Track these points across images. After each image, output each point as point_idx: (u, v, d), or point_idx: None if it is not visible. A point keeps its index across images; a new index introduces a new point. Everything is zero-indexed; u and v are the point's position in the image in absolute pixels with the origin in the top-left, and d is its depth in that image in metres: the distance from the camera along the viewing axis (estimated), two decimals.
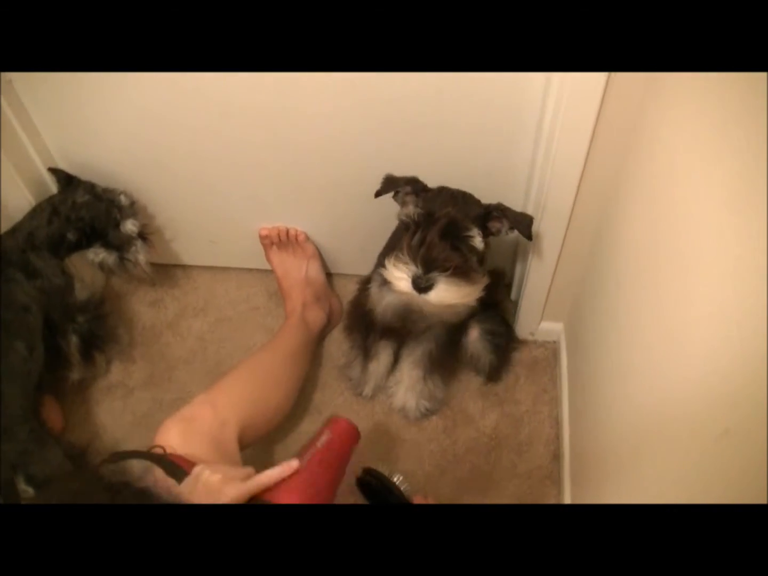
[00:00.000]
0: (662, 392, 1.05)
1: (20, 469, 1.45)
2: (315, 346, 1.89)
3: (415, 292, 1.38)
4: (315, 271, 1.93)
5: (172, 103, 1.59)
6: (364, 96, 1.49)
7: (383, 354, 1.84)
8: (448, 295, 1.38)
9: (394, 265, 1.40)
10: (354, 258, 1.97)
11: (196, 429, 1.36)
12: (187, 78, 1.52)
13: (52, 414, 1.78)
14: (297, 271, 1.91)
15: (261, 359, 1.67)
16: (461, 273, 1.39)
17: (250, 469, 1.17)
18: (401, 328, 1.73)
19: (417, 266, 1.36)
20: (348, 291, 1.97)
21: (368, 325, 1.77)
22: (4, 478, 1.43)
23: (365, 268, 1.77)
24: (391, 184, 1.47)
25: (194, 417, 1.39)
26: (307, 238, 1.90)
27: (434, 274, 1.36)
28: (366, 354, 1.84)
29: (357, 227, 1.86)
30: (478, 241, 1.41)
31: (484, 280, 1.47)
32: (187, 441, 1.33)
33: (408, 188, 1.46)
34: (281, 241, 1.89)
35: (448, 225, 1.38)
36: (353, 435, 1.31)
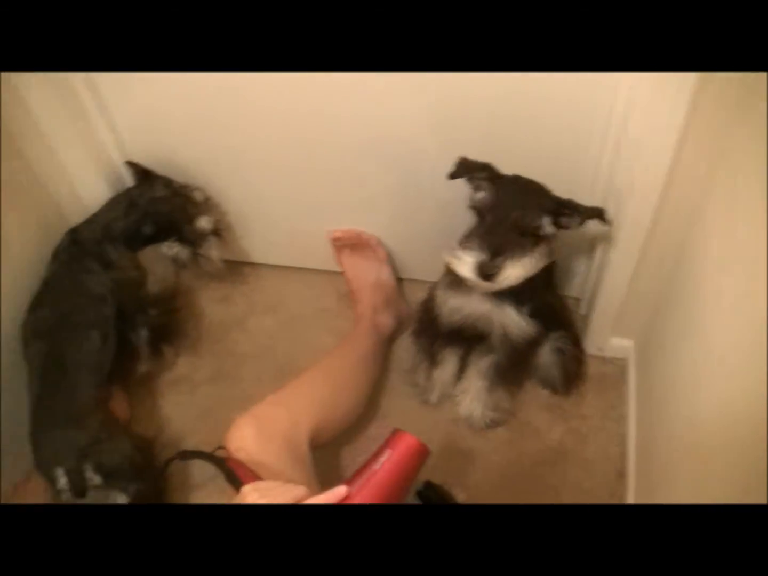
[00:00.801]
0: (740, 416, 1.02)
1: (89, 457, 1.46)
2: (385, 350, 1.88)
3: (478, 279, 1.38)
4: (386, 275, 1.92)
5: (245, 103, 1.61)
6: (436, 96, 1.50)
7: (449, 361, 1.82)
8: (508, 281, 1.38)
9: (462, 250, 1.39)
10: (425, 263, 1.95)
11: (270, 429, 1.36)
12: (260, 79, 1.54)
13: (119, 405, 1.79)
14: (368, 275, 1.90)
15: (333, 363, 1.67)
16: (525, 263, 1.39)
17: (301, 490, 1.15)
18: (466, 335, 1.70)
19: (483, 253, 1.36)
20: (417, 297, 1.95)
21: (435, 331, 1.75)
22: (73, 465, 1.45)
23: (436, 274, 1.75)
24: (465, 168, 1.46)
25: (268, 416, 1.39)
26: (380, 242, 1.89)
27: (499, 260, 1.36)
28: (432, 360, 1.82)
29: (429, 232, 1.84)
30: (546, 234, 1.41)
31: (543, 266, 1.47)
32: (260, 440, 1.33)
33: (483, 174, 1.45)
34: (353, 244, 1.89)
35: (518, 215, 1.38)
36: (420, 453, 1.22)
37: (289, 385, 1.52)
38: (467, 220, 1.50)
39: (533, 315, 1.58)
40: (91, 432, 1.50)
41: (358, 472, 1.21)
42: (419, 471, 1.26)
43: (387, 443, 1.24)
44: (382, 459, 1.21)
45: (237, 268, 2.10)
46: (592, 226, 1.47)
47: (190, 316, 2.02)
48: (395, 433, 1.25)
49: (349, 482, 1.19)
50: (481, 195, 1.45)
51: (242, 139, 1.71)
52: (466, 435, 1.82)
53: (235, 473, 1.26)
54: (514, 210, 1.39)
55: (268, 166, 1.77)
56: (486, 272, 1.37)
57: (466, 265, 1.39)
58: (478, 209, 1.45)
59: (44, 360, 1.54)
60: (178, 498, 1.70)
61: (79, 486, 1.45)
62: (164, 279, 1.98)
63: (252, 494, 1.13)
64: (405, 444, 1.23)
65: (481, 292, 1.51)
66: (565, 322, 1.85)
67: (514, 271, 1.38)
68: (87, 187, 1.76)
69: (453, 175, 1.47)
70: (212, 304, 2.06)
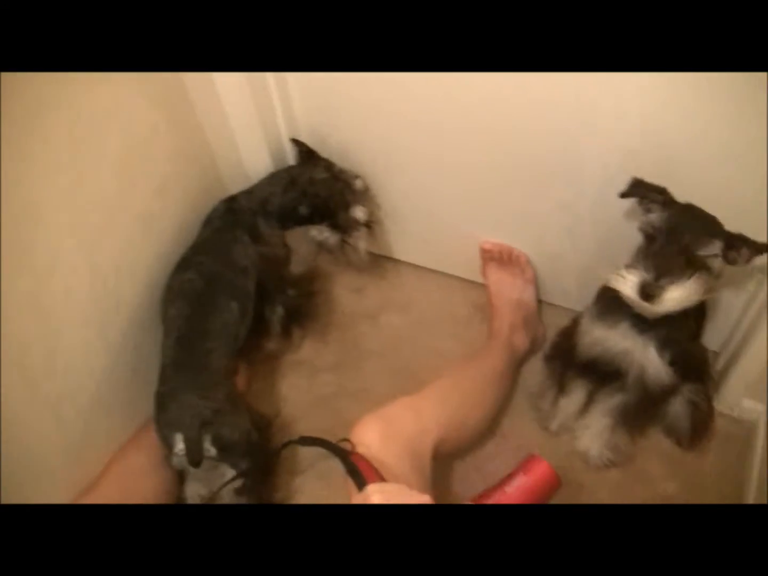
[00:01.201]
0: None
1: (210, 427, 1.45)
2: (516, 370, 1.85)
3: (639, 299, 1.36)
4: (529, 295, 1.88)
5: (417, 103, 1.61)
6: (610, 117, 1.47)
7: (577, 392, 1.77)
8: (670, 305, 1.35)
9: (626, 269, 1.38)
10: (569, 291, 1.91)
11: (396, 432, 1.34)
12: (435, 81, 1.53)
13: (241, 379, 1.79)
14: (512, 292, 1.86)
15: (466, 375, 1.64)
16: (688, 290, 1.35)
17: (425, 499, 1.13)
18: (601, 369, 1.65)
19: (648, 273, 1.35)
20: (554, 322, 1.91)
21: (569, 360, 1.71)
22: (194, 433, 1.44)
23: (576, 303, 1.71)
24: (638, 189, 1.45)
25: (397, 419, 1.37)
26: (529, 261, 1.86)
27: (663, 282, 1.34)
28: (560, 388, 1.77)
29: (580, 260, 1.80)
30: (714, 264, 1.39)
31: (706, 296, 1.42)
32: (386, 443, 1.31)
33: (657, 197, 1.43)
34: (502, 259, 1.85)
35: (689, 242, 1.36)
36: (552, 483, 1.22)
37: (421, 391, 1.49)
38: (620, 252, 1.48)
39: (674, 362, 1.54)
40: (216, 403, 1.49)
41: (489, 491, 1.20)
42: (549, 501, 1.23)
43: (522, 467, 1.23)
44: (516, 483, 1.20)
45: (377, 261, 2.08)
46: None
47: (323, 302, 2.01)
48: (531, 458, 1.24)
49: (476, 500, 1.17)
50: (651, 217, 1.43)
51: (409, 137, 1.70)
52: (579, 469, 1.75)
53: (357, 468, 1.24)
54: (685, 236, 1.37)
55: (430, 168, 1.76)
56: (648, 292, 1.35)
57: (628, 283, 1.37)
58: (648, 232, 1.43)
59: (184, 323, 1.53)
60: (283, 481, 1.69)
61: (195, 455, 1.43)
62: (305, 261, 1.98)
63: (376, 495, 1.12)
64: (540, 471, 1.23)
65: (632, 320, 1.49)
66: (703, 375, 1.78)
67: (677, 295, 1.35)
68: (251, 157, 1.77)
69: (624, 194, 1.45)
70: (346, 293, 2.05)
